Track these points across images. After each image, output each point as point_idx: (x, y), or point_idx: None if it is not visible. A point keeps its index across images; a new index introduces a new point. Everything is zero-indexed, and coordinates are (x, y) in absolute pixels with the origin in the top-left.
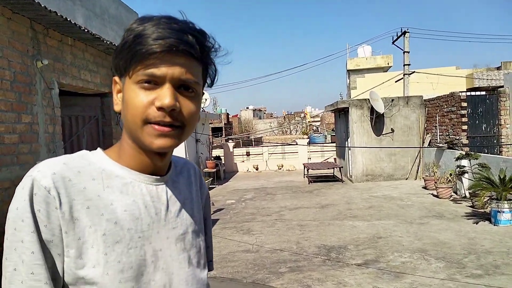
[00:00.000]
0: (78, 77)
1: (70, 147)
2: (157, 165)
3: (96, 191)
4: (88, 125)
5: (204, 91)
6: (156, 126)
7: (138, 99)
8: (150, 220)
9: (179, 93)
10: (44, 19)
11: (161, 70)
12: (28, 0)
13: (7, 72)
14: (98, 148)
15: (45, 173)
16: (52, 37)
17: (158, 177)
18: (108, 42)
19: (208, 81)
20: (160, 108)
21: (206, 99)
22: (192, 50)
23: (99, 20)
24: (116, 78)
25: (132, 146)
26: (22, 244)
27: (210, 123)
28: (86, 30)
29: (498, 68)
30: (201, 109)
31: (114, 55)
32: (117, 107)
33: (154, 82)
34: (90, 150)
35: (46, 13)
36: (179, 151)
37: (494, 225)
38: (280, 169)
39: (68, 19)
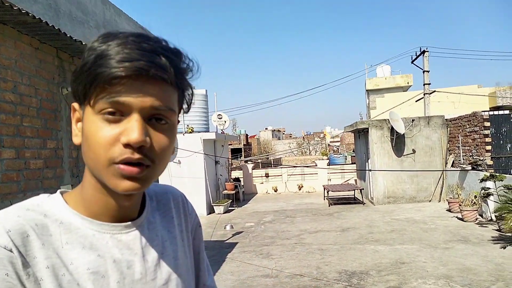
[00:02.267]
0: None
1: None
2: (124, 206)
3: (55, 249)
4: None
5: (222, 114)
6: (122, 166)
7: (100, 134)
8: (120, 276)
9: (149, 125)
10: (70, 48)
11: (127, 99)
12: (55, 31)
13: (34, 99)
14: (58, 192)
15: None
16: (77, 64)
17: (129, 222)
18: None
19: (185, 106)
20: (127, 145)
21: (225, 121)
22: (165, 74)
23: None
24: (75, 105)
25: (95, 186)
26: None
27: (230, 145)
28: None
29: None
30: (221, 131)
31: (72, 77)
32: (76, 139)
33: (119, 113)
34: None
35: (72, 42)
36: (199, 173)
37: None
38: (300, 190)
39: None
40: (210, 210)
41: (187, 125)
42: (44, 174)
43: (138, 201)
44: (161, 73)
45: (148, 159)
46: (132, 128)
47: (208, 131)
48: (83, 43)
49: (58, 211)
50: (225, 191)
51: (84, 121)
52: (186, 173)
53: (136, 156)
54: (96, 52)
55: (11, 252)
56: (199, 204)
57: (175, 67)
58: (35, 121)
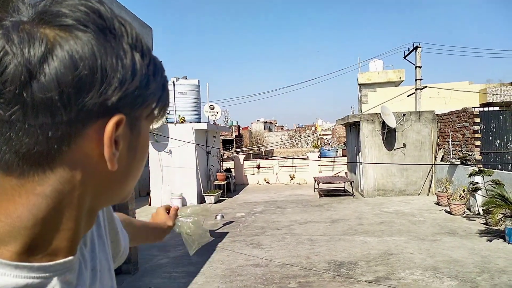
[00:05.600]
0: None
1: None
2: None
3: None
4: None
5: (214, 105)
6: None
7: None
8: None
9: None
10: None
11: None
12: None
13: None
14: None
15: None
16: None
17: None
18: None
19: None
20: None
21: (217, 112)
22: None
23: None
24: (122, 117)
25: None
26: None
27: (221, 136)
28: None
29: None
30: (213, 122)
31: (149, 75)
32: (113, 163)
33: None
34: None
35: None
36: (190, 163)
37: (509, 243)
38: (291, 182)
39: None
40: (201, 200)
41: (179, 115)
42: None
43: None
44: None
45: None
46: None
47: (200, 122)
48: None
49: None
50: (216, 182)
51: (140, 135)
52: (177, 163)
53: None
54: (164, 73)
55: None
56: (190, 193)
57: None
58: None
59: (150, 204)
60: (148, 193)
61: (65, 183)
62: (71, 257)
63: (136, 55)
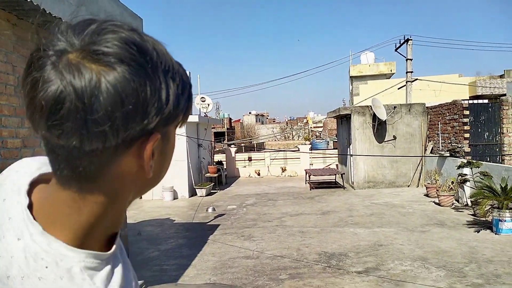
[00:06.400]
0: None
1: None
2: None
3: None
4: None
5: (205, 97)
6: None
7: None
8: None
9: None
10: (49, 24)
11: None
12: (33, 6)
13: (11, 77)
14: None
15: None
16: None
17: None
18: None
19: None
20: None
21: (209, 105)
22: None
23: None
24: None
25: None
26: None
27: (213, 128)
28: None
29: (501, 76)
30: (204, 114)
31: (179, 95)
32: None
33: None
34: None
35: (51, 19)
36: (181, 156)
37: (496, 234)
38: (282, 174)
39: None
40: (192, 193)
41: None
42: (22, 154)
43: None
44: None
45: None
46: None
47: (191, 114)
48: (63, 20)
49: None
50: (208, 174)
51: (169, 141)
52: None
53: None
54: (188, 85)
55: None
56: (181, 186)
57: None
58: (12, 99)
59: (140, 197)
60: None
61: (114, 191)
62: (114, 247)
63: (170, 82)
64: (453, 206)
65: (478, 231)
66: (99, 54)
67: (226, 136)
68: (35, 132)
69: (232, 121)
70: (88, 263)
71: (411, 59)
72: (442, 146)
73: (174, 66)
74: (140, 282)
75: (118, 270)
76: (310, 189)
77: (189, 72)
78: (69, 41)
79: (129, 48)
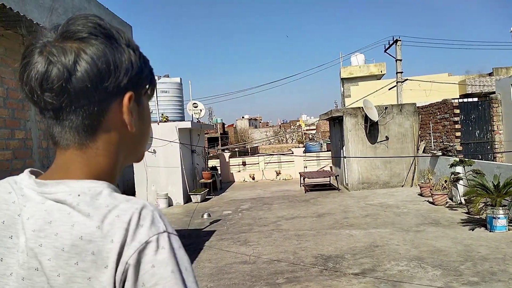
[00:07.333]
0: None
1: None
2: None
3: None
4: None
5: (198, 102)
6: None
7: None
8: None
9: None
10: (36, 35)
11: None
12: (20, 18)
13: (0, 89)
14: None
15: None
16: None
17: None
18: None
19: None
20: None
21: (201, 110)
22: None
23: None
24: (131, 94)
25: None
26: None
27: (206, 133)
28: None
29: (490, 74)
30: (197, 120)
31: (140, 68)
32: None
33: None
34: None
35: (38, 29)
36: (175, 163)
37: (490, 231)
38: (277, 178)
39: None
40: (187, 199)
41: (162, 114)
42: (13, 166)
43: None
44: None
45: None
46: None
47: (184, 120)
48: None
49: None
50: (202, 180)
51: (144, 107)
52: (161, 163)
53: None
54: (149, 61)
55: None
56: (175, 193)
57: None
58: (1, 111)
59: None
60: (133, 194)
61: (109, 142)
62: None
63: (131, 52)
64: (447, 205)
65: (473, 229)
66: (73, 32)
67: (219, 141)
68: (34, 104)
69: (225, 126)
70: (112, 188)
71: (400, 60)
72: (434, 145)
73: (133, 43)
74: None
75: None
76: (305, 192)
77: (180, 79)
78: (51, 35)
79: (97, 26)
